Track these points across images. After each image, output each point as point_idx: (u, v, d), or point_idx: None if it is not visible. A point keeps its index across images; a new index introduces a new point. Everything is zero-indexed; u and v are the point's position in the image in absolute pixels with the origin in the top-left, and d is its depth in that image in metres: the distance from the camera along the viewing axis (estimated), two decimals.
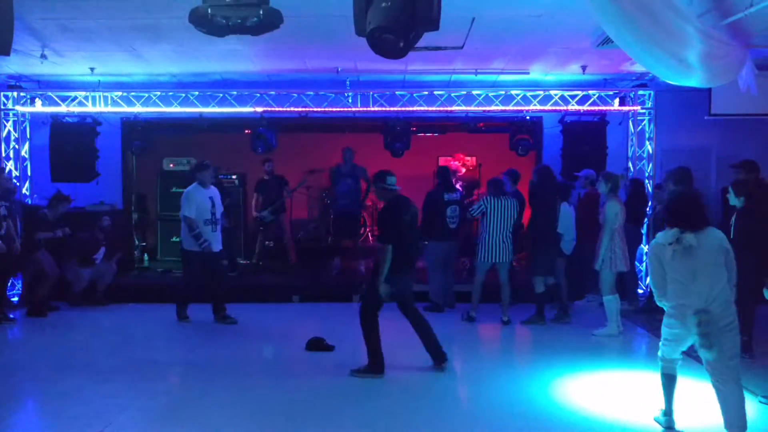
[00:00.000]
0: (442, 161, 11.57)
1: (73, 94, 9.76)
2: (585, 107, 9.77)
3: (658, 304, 4.55)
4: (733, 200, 6.15)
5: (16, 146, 9.98)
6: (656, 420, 4.66)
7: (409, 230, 5.77)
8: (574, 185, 8.63)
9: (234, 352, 6.73)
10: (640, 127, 9.92)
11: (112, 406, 4.99)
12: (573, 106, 9.78)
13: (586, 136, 9.82)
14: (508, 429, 4.61)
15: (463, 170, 11.12)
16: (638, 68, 8.67)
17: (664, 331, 4.48)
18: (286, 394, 5.39)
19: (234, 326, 7.71)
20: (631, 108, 9.78)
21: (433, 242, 8.37)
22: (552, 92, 9.78)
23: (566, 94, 9.79)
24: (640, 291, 9.18)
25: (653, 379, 5.63)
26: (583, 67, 8.90)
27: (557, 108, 9.83)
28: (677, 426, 4.56)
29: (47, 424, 4.88)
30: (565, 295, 7.94)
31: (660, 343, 4.55)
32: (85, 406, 4.99)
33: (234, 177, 11.19)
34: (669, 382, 4.56)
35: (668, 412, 4.59)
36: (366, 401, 5.17)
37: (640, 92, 9.76)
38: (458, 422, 4.72)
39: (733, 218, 6.21)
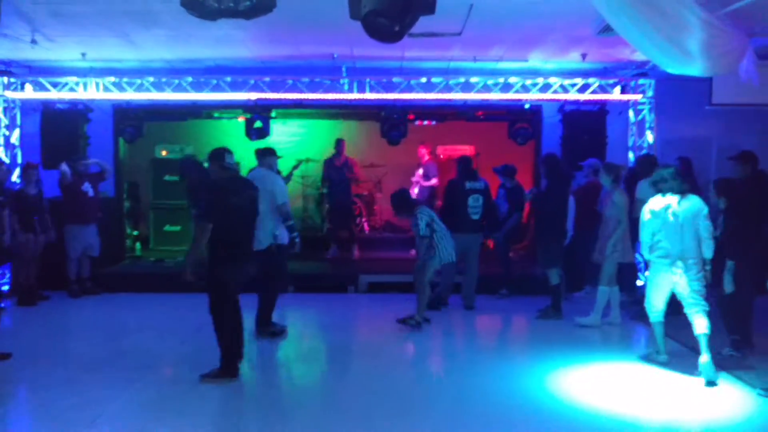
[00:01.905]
0: (439, 150, 11.46)
1: (64, 80, 9.60)
2: (585, 96, 9.65)
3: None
4: (714, 201, 6.16)
5: (6, 133, 9.82)
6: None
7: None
8: (574, 174, 8.52)
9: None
10: (641, 116, 9.81)
11: (103, 397, 4.92)
12: (573, 95, 9.67)
13: (586, 126, 9.70)
14: (504, 421, 4.54)
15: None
16: (639, 57, 8.55)
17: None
18: (276, 387, 5.31)
19: None
20: (632, 97, 9.66)
21: (452, 234, 7.93)
22: (551, 80, 9.65)
23: (566, 82, 9.67)
24: (639, 283, 9.09)
25: (649, 371, 5.63)
26: (583, 55, 8.78)
27: (557, 96, 9.71)
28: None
29: (39, 415, 4.80)
30: (564, 287, 7.85)
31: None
32: (77, 396, 4.92)
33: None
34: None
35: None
36: (358, 393, 5.08)
37: (641, 81, 9.64)
38: (453, 415, 4.64)
39: (720, 218, 6.13)
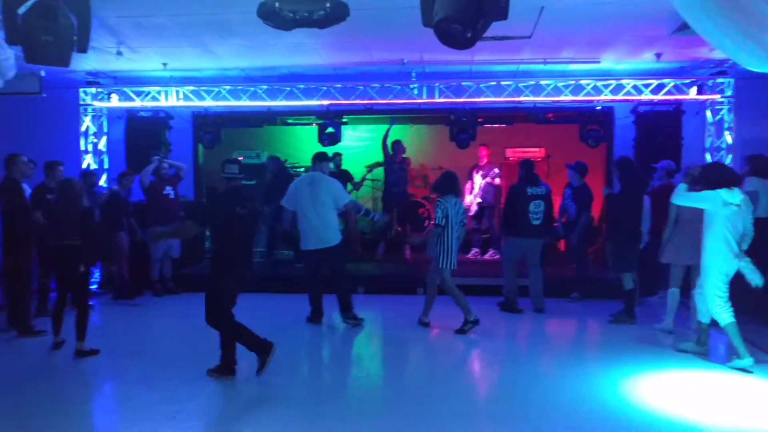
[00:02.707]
0: (508, 153, 11.38)
1: (146, 89, 10.08)
2: (659, 96, 9.44)
3: None
4: None
5: (94, 140, 10.38)
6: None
7: (241, 224, 5.41)
8: (652, 176, 8.33)
9: (303, 343, 6.83)
10: (719, 116, 9.51)
11: (184, 393, 5.12)
12: (646, 96, 9.46)
13: (661, 127, 9.50)
14: (577, 428, 4.50)
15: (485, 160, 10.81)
16: (717, 55, 8.31)
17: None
18: (354, 387, 5.42)
19: (300, 317, 7.78)
20: (709, 97, 9.38)
21: (513, 238, 8.06)
22: (624, 81, 9.47)
23: (639, 83, 9.47)
24: None
25: (728, 378, 5.46)
26: (658, 55, 8.58)
27: (630, 98, 9.52)
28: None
29: (121, 408, 5.04)
30: (637, 291, 7.69)
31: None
32: (159, 392, 5.14)
33: (302, 169, 11.33)
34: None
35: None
36: (428, 394, 5.13)
37: (719, 80, 9.35)
38: (524, 420, 4.63)
39: None
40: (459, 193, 7.30)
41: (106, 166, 10.38)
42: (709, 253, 5.79)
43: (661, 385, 5.33)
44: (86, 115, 10.30)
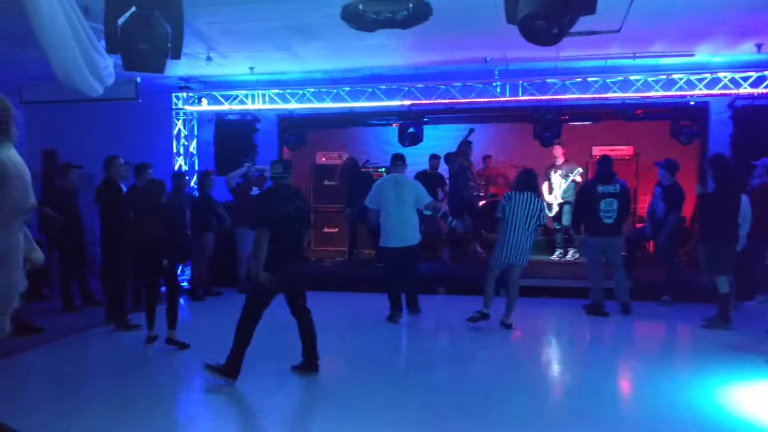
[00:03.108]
0: (595, 150, 11.06)
1: (234, 92, 10.40)
2: (760, 90, 8.91)
3: None
4: None
5: (185, 143, 10.81)
6: None
7: (288, 222, 5.40)
8: (751, 175, 7.90)
9: (383, 343, 6.87)
10: None
11: (270, 387, 5.26)
12: (745, 89, 8.96)
13: (761, 122, 8.98)
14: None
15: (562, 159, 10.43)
16: None
17: None
18: (432, 388, 5.40)
19: (380, 316, 7.83)
20: None
21: (588, 237, 8.01)
22: (720, 75, 9.01)
23: (737, 76, 8.98)
24: None
25: None
26: (758, 46, 8.11)
27: (727, 91, 9.05)
28: None
29: (210, 400, 5.19)
30: (733, 295, 7.31)
31: None
32: (246, 386, 5.29)
33: (383, 170, 11.40)
34: None
35: None
36: (513, 398, 5.05)
37: None
38: (612, 426, 4.49)
39: None
40: (533, 190, 7.16)
41: (196, 167, 10.78)
42: None
43: (759, 395, 5.04)
44: (178, 119, 10.74)
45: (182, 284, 9.64)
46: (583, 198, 8.03)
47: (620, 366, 6.08)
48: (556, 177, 10.29)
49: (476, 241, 10.27)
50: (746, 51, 8.38)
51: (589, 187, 8.01)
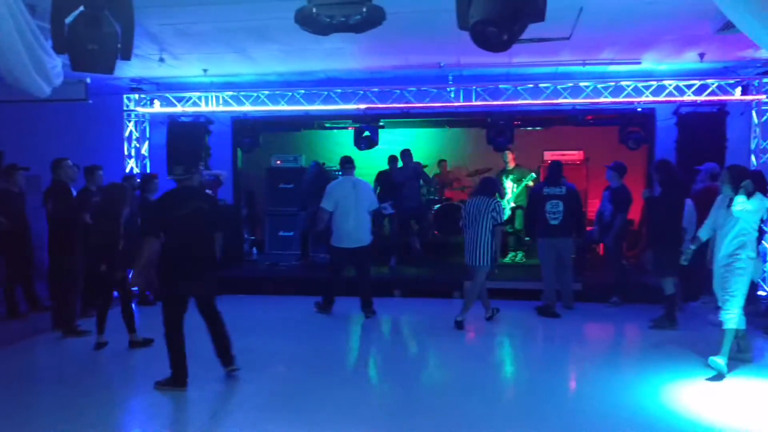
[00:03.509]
0: (547, 155, 11.26)
1: (187, 94, 10.27)
2: (702, 97, 9.23)
3: None
4: None
5: (137, 145, 10.63)
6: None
7: (187, 226, 5.25)
8: (693, 179, 8.17)
9: (339, 345, 6.88)
10: (765, 117, 9.25)
11: (221, 393, 5.24)
12: (689, 97, 9.26)
13: (704, 128, 9.29)
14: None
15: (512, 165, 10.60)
16: (763, 54, 8.10)
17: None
18: (390, 389, 5.43)
19: (339, 320, 7.84)
20: (755, 97, 9.13)
21: (539, 239, 8.16)
22: (666, 82, 9.30)
23: (682, 84, 9.28)
24: (762, 293, 8.58)
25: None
26: (701, 55, 8.41)
27: (672, 99, 9.34)
28: None
29: (161, 406, 5.12)
30: (678, 296, 7.54)
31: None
32: (198, 391, 5.24)
33: (339, 173, 11.41)
34: None
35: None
36: (464, 398, 5.11)
37: (765, 80, 9.10)
38: (560, 425, 4.59)
39: None
40: (488, 194, 7.36)
41: (148, 170, 10.59)
42: None
43: (703, 393, 5.22)
44: (129, 121, 10.55)
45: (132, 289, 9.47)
46: (531, 200, 8.27)
47: (569, 366, 6.21)
48: (508, 182, 10.44)
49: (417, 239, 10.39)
50: (690, 60, 8.68)
51: (536, 190, 8.26)
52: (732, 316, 5.57)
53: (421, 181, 10.34)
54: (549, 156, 11.06)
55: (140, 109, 10.48)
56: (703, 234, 6.02)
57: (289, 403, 5.04)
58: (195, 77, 9.76)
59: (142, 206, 8.80)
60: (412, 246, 10.25)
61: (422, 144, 12.59)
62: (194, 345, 6.35)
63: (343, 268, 8.01)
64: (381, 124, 10.38)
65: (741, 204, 5.47)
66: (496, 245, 7.27)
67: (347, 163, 8.14)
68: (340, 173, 8.50)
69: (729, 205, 5.59)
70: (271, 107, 10.12)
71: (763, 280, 8.74)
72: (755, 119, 9.35)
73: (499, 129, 9.86)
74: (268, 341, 6.92)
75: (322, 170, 10.56)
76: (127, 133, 10.55)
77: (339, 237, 7.83)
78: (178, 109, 10.32)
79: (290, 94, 10.04)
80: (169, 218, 5.28)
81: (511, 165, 10.42)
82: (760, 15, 4.66)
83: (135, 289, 9.26)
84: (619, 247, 8.55)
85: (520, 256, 10.40)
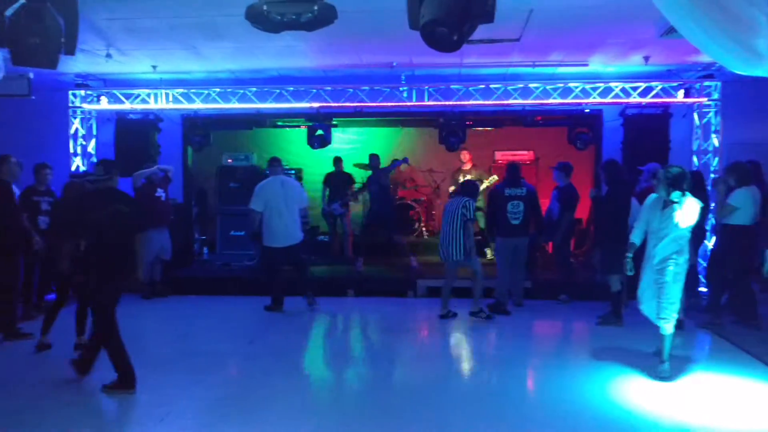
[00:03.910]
0: (498, 155, 11.42)
1: (136, 91, 10.06)
2: (647, 99, 9.49)
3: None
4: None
5: (83, 142, 10.36)
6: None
7: (109, 228, 5.16)
8: (637, 179, 8.39)
9: (291, 345, 6.84)
10: (706, 119, 9.58)
11: (172, 395, 5.12)
12: (635, 99, 9.52)
13: (649, 129, 9.53)
14: (563, 428, 4.52)
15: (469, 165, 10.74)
16: (705, 58, 8.37)
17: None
18: (342, 388, 5.43)
19: (292, 320, 7.80)
20: (697, 100, 9.44)
21: (498, 238, 8.27)
22: (612, 84, 9.53)
23: (627, 86, 9.53)
24: (702, 289, 8.87)
25: (716, 379, 5.50)
26: (646, 58, 8.65)
27: (618, 101, 9.58)
28: None
29: (109, 410, 5.03)
30: (624, 293, 7.73)
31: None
32: (147, 394, 5.14)
33: (292, 172, 11.35)
34: None
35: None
36: (416, 396, 5.15)
37: (706, 83, 9.42)
38: (512, 420, 4.66)
39: None
40: (466, 195, 7.72)
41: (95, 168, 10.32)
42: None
43: (648, 387, 5.36)
44: (75, 118, 10.28)
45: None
46: (492, 201, 8.35)
47: (519, 362, 6.29)
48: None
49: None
50: (635, 63, 8.91)
51: (497, 191, 8.36)
52: (670, 323, 5.56)
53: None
54: (500, 156, 11.25)
55: (86, 106, 10.22)
56: (637, 238, 5.92)
57: (241, 403, 5.00)
58: (144, 74, 9.56)
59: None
60: (398, 242, 10.26)
61: (375, 143, 12.61)
62: (143, 349, 6.25)
63: (278, 266, 8.18)
64: (334, 122, 10.35)
65: (679, 207, 5.40)
66: (468, 239, 7.53)
67: (275, 162, 8.30)
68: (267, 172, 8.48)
69: (664, 207, 5.56)
70: (222, 105, 10.00)
71: (705, 277, 9.03)
72: (697, 121, 9.67)
73: (452, 129, 9.94)
74: (220, 342, 6.84)
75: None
76: (72, 131, 10.27)
77: (271, 236, 7.98)
78: (127, 106, 10.10)
79: (242, 91, 9.94)
80: (87, 220, 5.17)
81: (467, 166, 10.52)
82: (700, 21, 4.82)
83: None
84: (567, 246, 8.73)
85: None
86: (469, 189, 7.88)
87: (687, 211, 5.40)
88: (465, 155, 10.50)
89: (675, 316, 5.58)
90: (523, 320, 7.85)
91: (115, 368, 5.18)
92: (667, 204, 5.52)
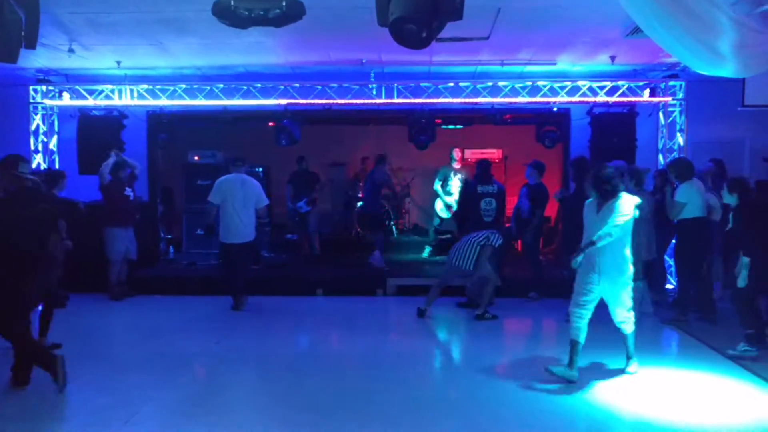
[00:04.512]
0: (468, 153, 11.46)
1: (100, 87, 9.86)
2: (614, 98, 9.60)
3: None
4: (727, 198, 6.38)
5: (45, 139, 10.12)
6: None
7: (30, 227, 5.10)
8: None
9: (258, 345, 6.76)
10: (671, 118, 9.73)
11: (137, 397, 5.02)
12: (602, 98, 9.62)
13: (615, 128, 9.65)
14: (536, 426, 4.54)
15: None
16: (670, 58, 8.49)
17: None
18: (308, 387, 5.38)
19: (259, 320, 7.74)
20: (662, 99, 9.58)
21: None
22: (580, 83, 9.62)
23: (594, 85, 9.63)
24: (669, 286, 9.01)
25: (680, 375, 5.59)
26: (612, 58, 8.75)
27: (585, 99, 9.67)
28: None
29: (73, 413, 4.91)
30: None
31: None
32: (112, 396, 5.03)
33: (260, 169, 11.26)
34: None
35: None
36: (386, 395, 5.13)
37: (671, 83, 9.57)
38: (480, 419, 4.66)
39: (729, 215, 6.44)
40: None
41: (57, 166, 10.10)
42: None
43: (617, 383, 5.42)
44: (36, 114, 10.04)
45: None
46: (465, 198, 8.38)
47: (490, 359, 6.31)
48: (455, 180, 10.50)
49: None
50: (602, 62, 9.01)
51: (470, 188, 8.38)
52: (628, 324, 5.51)
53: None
54: (469, 154, 11.29)
55: (48, 102, 9.98)
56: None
57: (208, 404, 4.91)
58: (108, 69, 9.38)
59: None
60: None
61: (345, 141, 12.57)
62: (109, 350, 6.14)
63: (232, 262, 8.21)
64: (303, 120, 10.27)
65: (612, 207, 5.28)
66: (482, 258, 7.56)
67: (237, 161, 8.34)
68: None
69: (598, 211, 5.36)
70: (188, 101, 9.83)
71: (671, 273, 9.18)
72: (662, 120, 9.81)
73: (421, 127, 9.93)
74: (186, 342, 6.74)
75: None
76: (33, 127, 10.03)
77: (226, 233, 8.09)
78: (90, 102, 9.88)
79: (208, 88, 9.79)
80: (13, 220, 5.05)
81: (458, 164, 10.51)
82: (664, 21, 4.89)
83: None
84: (537, 244, 8.79)
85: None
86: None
87: (619, 210, 5.24)
88: (457, 153, 10.51)
89: (633, 313, 5.54)
90: (494, 318, 7.87)
91: (46, 368, 5.03)
92: (600, 206, 5.37)
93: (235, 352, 6.38)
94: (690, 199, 7.15)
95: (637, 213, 5.41)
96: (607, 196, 5.33)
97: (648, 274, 7.65)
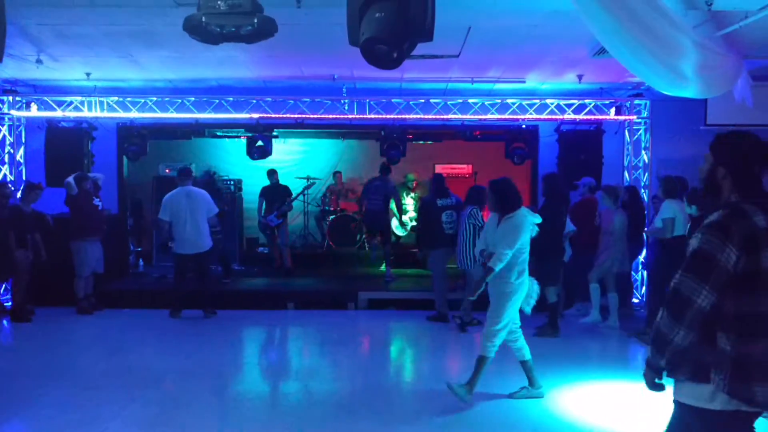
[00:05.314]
0: (438, 168, 11.57)
1: (68, 98, 9.75)
2: (581, 116, 9.79)
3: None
4: (687, 209, 6.65)
5: (11, 150, 9.95)
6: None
7: None
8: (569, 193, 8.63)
9: (228, 360, 6.74)
10: (636, 136, 9.94)
11: (105, 414, 4.96)
12: (569, 115, 9.80)
13: (582, 145, 9.82)
14: None
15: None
16: (634, 78, 8.68)
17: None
18: (280, 402, 5.37)
19: (229, 334, 7.69)
20: (627, 117, 9.79)
21: (434, 251, 8.28)
22: (548, 101, 9.79)
23: (562, 102, 9.81)
24: (635, 300, 9.18)
25: (644, 388, 5.67)
26: (579, 76, 8.92)
27: (553, 117, 9.85)
28: None
29: (40, 430, 4.84)
30: (561, 304, 7.93)
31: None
32: (79, 413, 4.96)
33: (231, 182, 11.21)
34: None
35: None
36: (361, 410, 5.14)
37: (636, 102, 9.78)
38: (451, 428, 4.71)
39: (688, 226, 6.64)
40: (469, 203, 7.91)
41: (24, 177, 9.94)
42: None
43: (582, 396, 5.51)
44: (3, 125, 9.88)
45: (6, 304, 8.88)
46: (425, 212, 8.42)
47: (459, 373, 6.36)
48: (408, 198, 10.60)
49: None
50: (570, 80, 9.18)
51: (428, 202, 8.42)
52: (492, 345, 5.38)
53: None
54: (439, 169, 11.40)
55: (15, 113, 9.83)
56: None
57: (177, 419, 4.88)
58: (77, 81, 9.28)
59: (13, 217, 8.27)
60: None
61: (317, 155, 12.61)
62: (75, 365, 6.06)
63: (186, 272, 8.56)
64: (275, 133, 10.28)
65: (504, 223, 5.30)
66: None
67: (183, 174, 8.66)
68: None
69: (498, 224, 5.38)
70: (159, 114, 9.77)
71: (636, 288, 9.36)
72: (627, 138, 10.02)
73: (393, 142, 10.00)
74: (155, 357, 6.69)
75: (213, 179, 10.45)
76: (0, 138, 9.87)
77: (179, 244, 8.44)
78: (58, 113, 9.75)
79: (180, 101, 9.75)
80: None
81: (413, 185, 10.67)
82: (628, 43, 5.02)
83: (8, 305, 8.71)
84: None
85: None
86: (474, 197, 7.82)
87: (507, 228, 5.28)
88: (415, 177, 10.66)
89: (497, 340, 5.43)
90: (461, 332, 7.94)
91: None
92: (501, 221, 5.38)
93: (205, 367, 6.33)
94: (675, 216, 7.31)
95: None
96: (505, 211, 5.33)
97: (619, 287, 7.97)
